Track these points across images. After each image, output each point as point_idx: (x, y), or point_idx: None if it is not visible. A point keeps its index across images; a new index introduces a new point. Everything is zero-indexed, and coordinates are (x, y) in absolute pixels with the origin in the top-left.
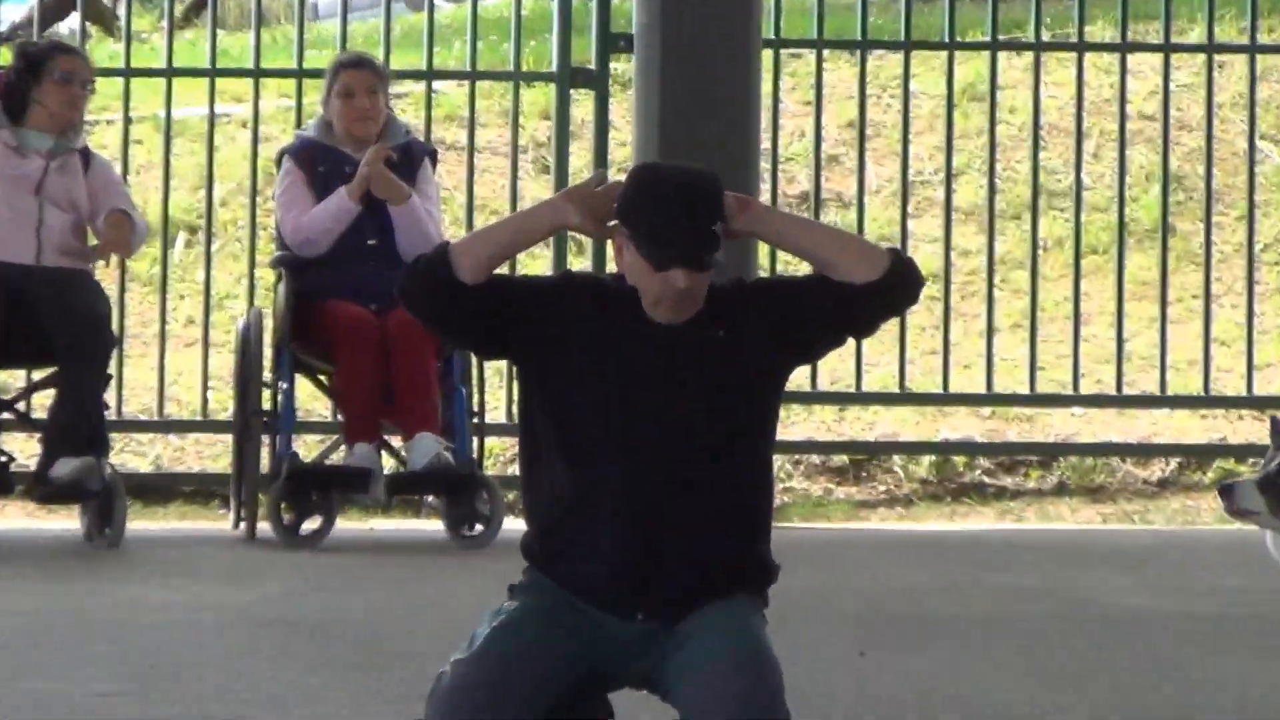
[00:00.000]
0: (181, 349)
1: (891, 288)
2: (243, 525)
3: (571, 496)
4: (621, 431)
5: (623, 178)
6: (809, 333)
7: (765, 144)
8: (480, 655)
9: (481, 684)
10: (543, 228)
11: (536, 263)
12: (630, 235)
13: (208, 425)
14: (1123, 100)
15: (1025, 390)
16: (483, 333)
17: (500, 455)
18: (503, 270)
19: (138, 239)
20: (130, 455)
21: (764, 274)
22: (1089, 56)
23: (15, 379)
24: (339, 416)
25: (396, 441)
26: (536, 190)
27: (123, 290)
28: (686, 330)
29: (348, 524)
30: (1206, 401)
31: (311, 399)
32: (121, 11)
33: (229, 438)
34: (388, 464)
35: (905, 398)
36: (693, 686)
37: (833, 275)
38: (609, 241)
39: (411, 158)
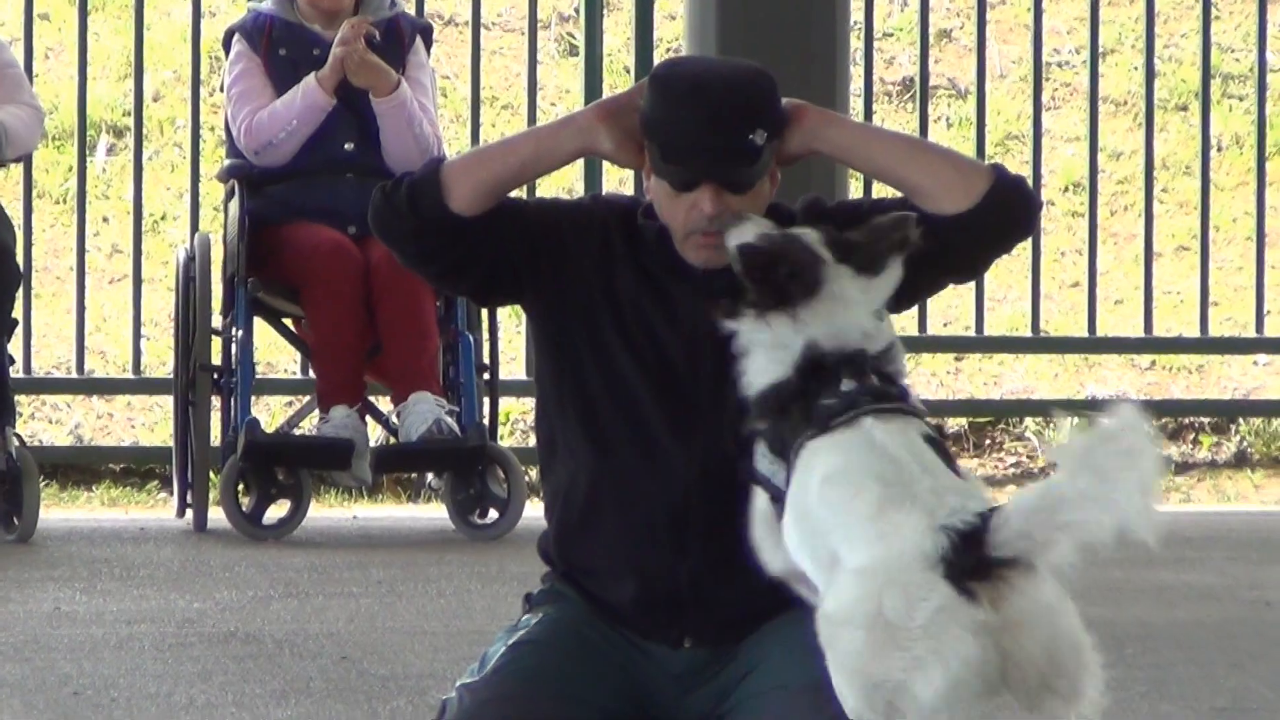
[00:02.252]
0: (106, 286)
1: (991, 218)
2: (189, 513)
3: (592, 496)
4: (654, 419)
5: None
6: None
7: (856, 16)
8: (496, 675)
9: (501, 714)
10: (564, 153)
11: (560, 180)
12: (648, 151)
13: (142, 385)
14: None
15: (1194, 333)
16: (481, 278)
17: (520, 421)
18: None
19: (14, 147)
20: (43, 424)
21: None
22: None
23: None
24: (311, 372)
25: (385, 404)
26: (561, 78)
27: (28, 211)
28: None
29: (324, 511)
30: None
31: (274, 350)
32: None
33: (169, 401)
34: (374, 434)
35: (1040, 344)
36: (764, 710)
37: (918, 202)
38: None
39: (399, 36)
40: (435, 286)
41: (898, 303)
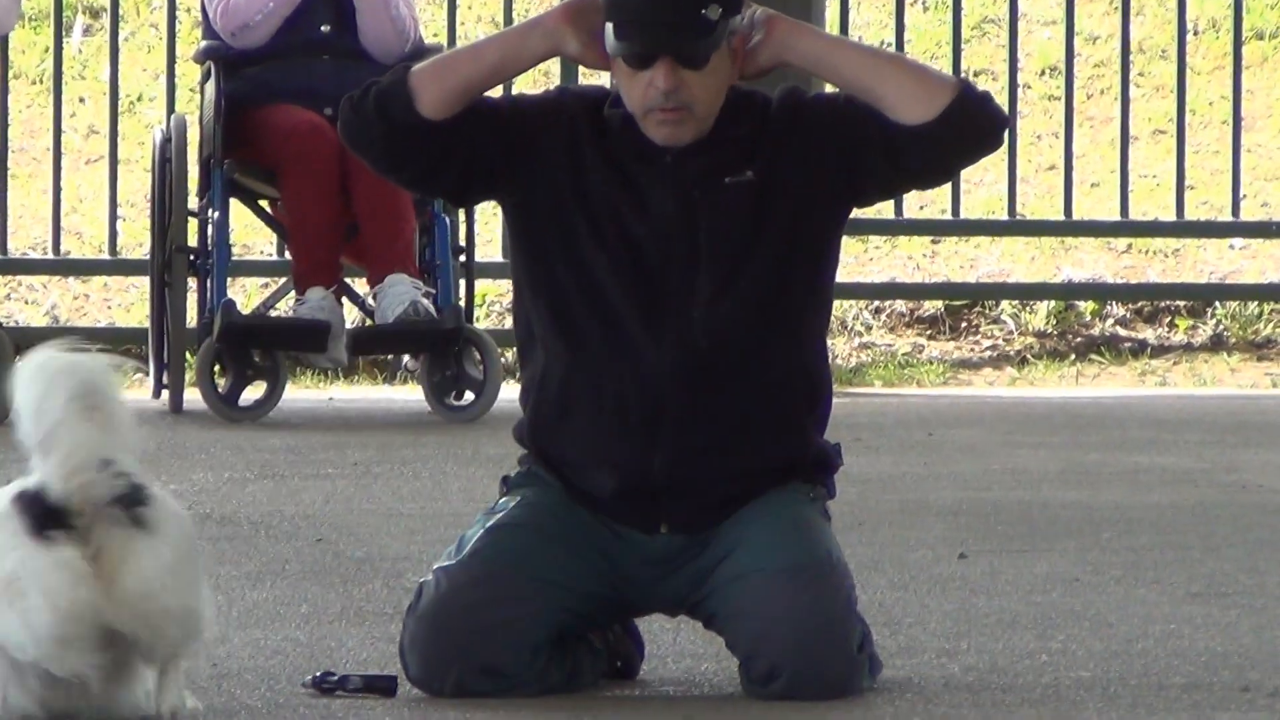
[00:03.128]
0: (82, 167)
1: (954, 129)
2: (165, 394)
3: (565, 389)
4: (624, 311)
5: None
6: (860, 180)
7: None
8: (474, 559)
9: (479, 597)
10: (531, 56)
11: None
12: (607, 33)
13: (117, 266)
14: None
15: (1170, 217)
16: (455, 180)
17: (495, 303)
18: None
19: None
20: (19, 305)
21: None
22: None
23: None
24: (287, 254)
25: (361, 286)
26: None
27: (4, 92)
28: (708, 173)
29: (300, 392)
30: None
31: (251, 232)
32: None
33: (145, 282)
34: (350, 315)
35: (1016, 226)
36: (741, 610)
37: (884, 111)
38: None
39: None
40: (410, 191)
41: (871, 201)
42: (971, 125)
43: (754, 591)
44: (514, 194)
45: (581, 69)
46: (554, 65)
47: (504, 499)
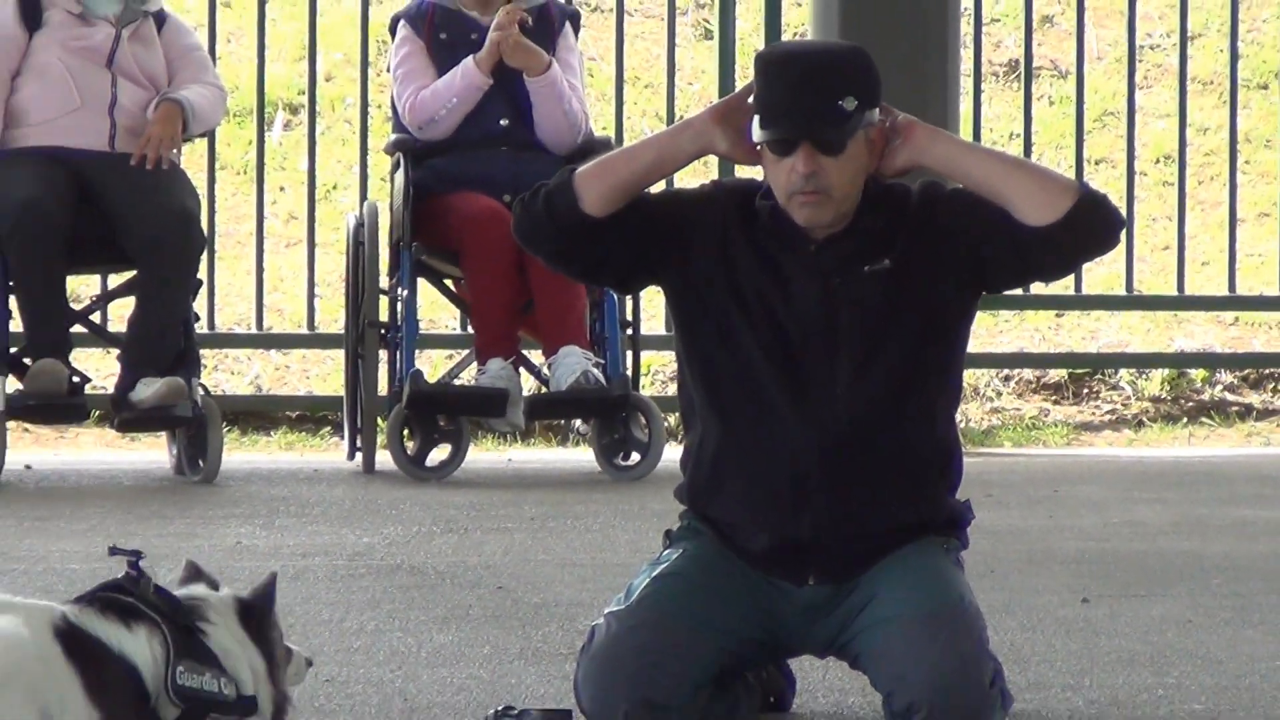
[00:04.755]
0: (283, 250)
1: (1073, 232)
2: (359, 456)
3: (718, 460)
4: (771, 390)
5: None
6: (989, 272)
7: (966, 3)
8: (642, 605)
9: (646, 640)
10: (684, 155)
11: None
12: (755, 126)
13: (315, 340)
14: None
15: (1274, 292)
16: (618, 271)
17: (659, 372)
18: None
19: (199, 124)
20: (225, 375)
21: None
22: None
23: (89, 285)
24: (469, 328)
25: (537, 357)
26: (698, 60)
27: (212, 181)
28: (848, 262)
29: (481, 454)
30: None
31: (436, 308)
32: None
33: (340, 354)
34: (527, 384)
35: (1133, 301)
36: (884, 652)
37: (1011, 212)
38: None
39: (549, 22)
40: (579, 282)
41: (999, 290)
42: (1090, 227)
43: (895, 635)
44: (673, 282)
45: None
46: (712, 157)
47: (667, 550)
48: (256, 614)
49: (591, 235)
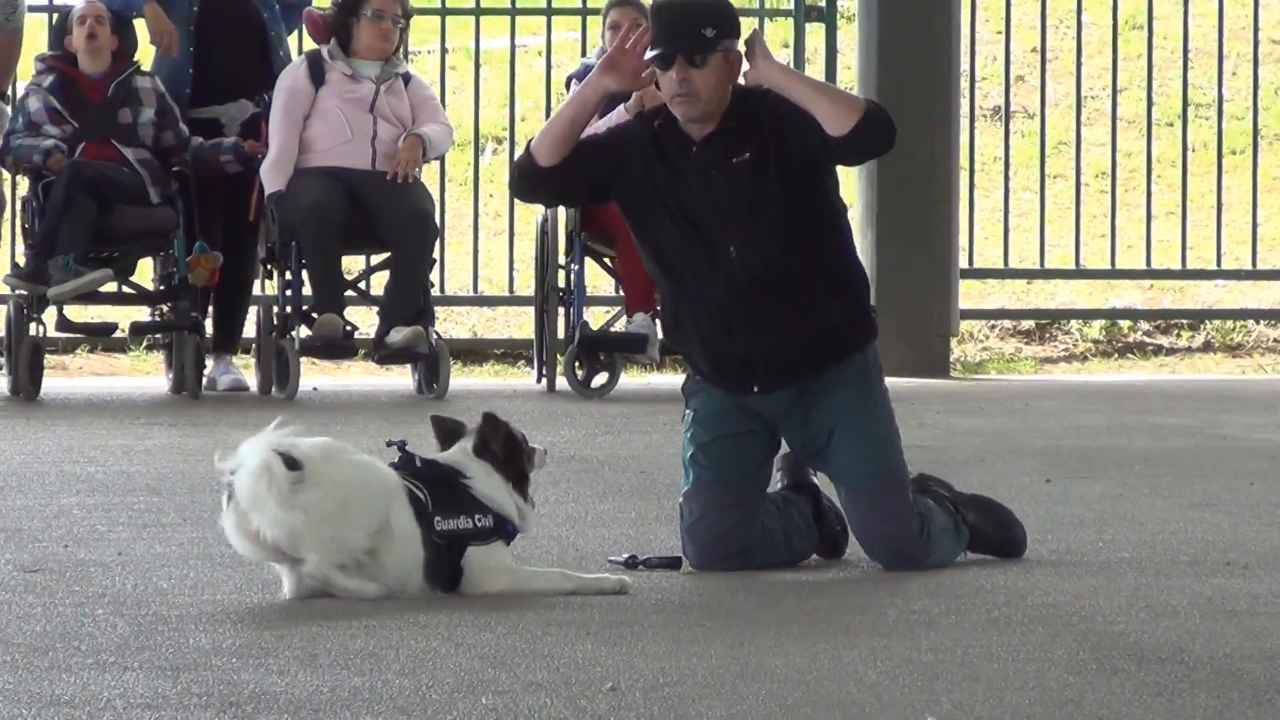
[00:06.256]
0: (492, 237)
1: (860, 140)
2: (544, 381)
3: (676, 308)
4: (692, 256)
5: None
6: (818, 158)
7: (964, 66)
8: (695, 491)
9: (711, 518)
10: (591, 103)
11: None
12: (650, 52)
13: (514, 300)
14: (1255, 28)
15: (1178, 266)
16: (581, 193)
17: None
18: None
19: (434, 151)
20: (451, 324)
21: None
22: None
23: (357, 263)
24: (621, 292)
25: None
26: None
27: (443, 190)
28: (720, 157)
29: (629, 379)
30: None
31: (598, 277)
32: None
33: (532, 310)
34: (660, 331)
35: (1080, 273)
36: (846, 510)
37: (819, 122)
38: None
39: None
40: (561, 205)
41: (830, 167)
42: (870, 136)
43: (850, 504)
44: (617, 191)
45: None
46: None
47: (686, 411)
48: (490, 446)
49: (552, 179)
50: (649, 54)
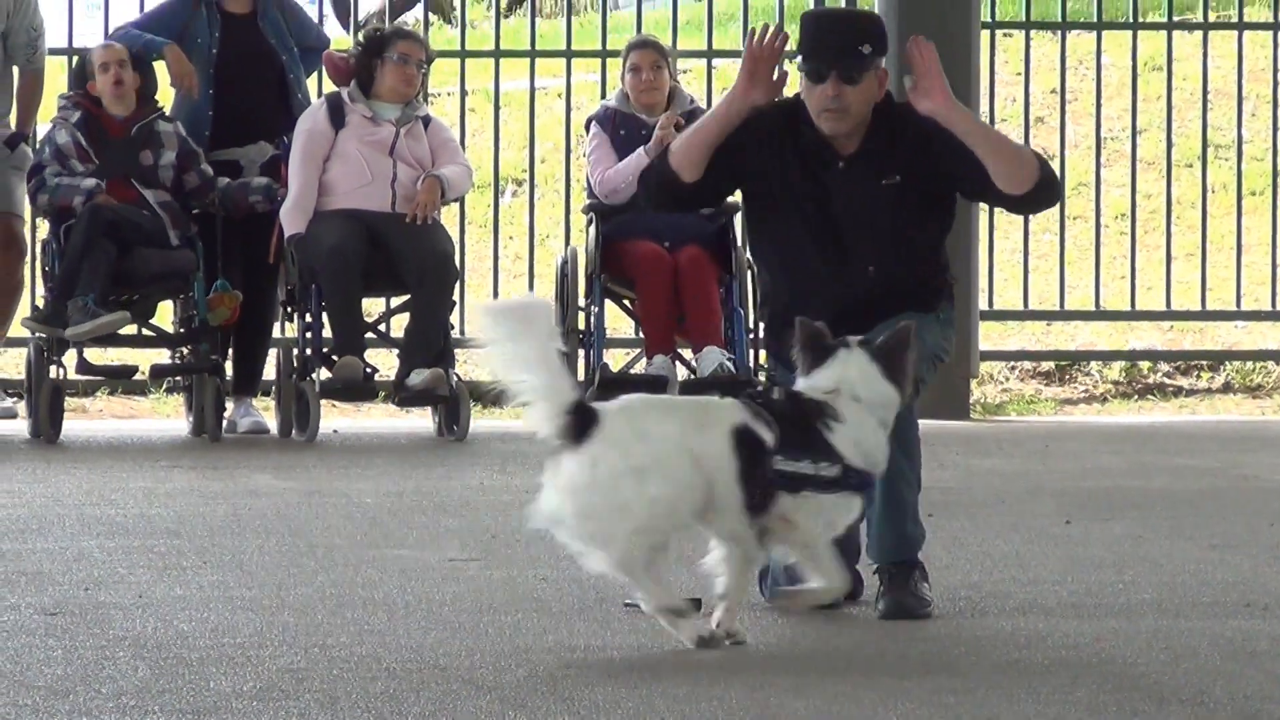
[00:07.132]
0: (511, 279)
1: (1032, 204)
2: None
3: (787, 303)
4: (825, 258)
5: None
6: (964, 193)
7: (984, 107)
8: None
9: None
10: (736, 118)
11: None
12: (798, 65)
13: None
14: (1275, 69)
15: (1197, 307)
16: (712, 199)
17: None
18: None
19: (453, 193)
20: (472, 366)
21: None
22: (1247, 34)
23: (377, 305)
24: (640, 334)
25: (687, 354)
26: None
27: (462, 232)
28: (868, 177)
29: None
30: None
31: (618, 319)
32: (457, 2)
33: None
34: (680, 372)
35: (1100, 314)
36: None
37: (991, 176)
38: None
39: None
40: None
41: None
42: (1039, 201)
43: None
44: (747, 183)
45: None
46: None
47: None
48: (883, 359)
49: (699, 191)
50: (800, 65)
